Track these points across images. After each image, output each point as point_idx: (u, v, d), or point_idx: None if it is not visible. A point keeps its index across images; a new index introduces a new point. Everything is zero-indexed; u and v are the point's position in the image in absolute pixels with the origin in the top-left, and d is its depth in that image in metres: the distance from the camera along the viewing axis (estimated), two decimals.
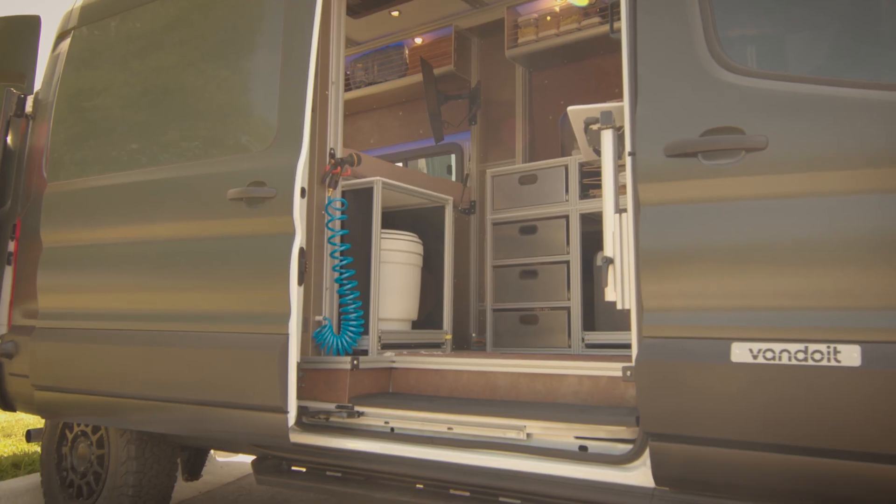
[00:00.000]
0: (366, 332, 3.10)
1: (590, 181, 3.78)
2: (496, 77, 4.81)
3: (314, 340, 3.03)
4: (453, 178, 5.20)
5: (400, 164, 5.16)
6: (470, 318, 4.53)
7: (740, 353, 1.86)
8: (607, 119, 2.42)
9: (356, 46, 5.32)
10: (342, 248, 3.08)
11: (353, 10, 4.69)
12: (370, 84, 5.20)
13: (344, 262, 3.08)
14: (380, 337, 3.13)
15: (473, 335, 4.47)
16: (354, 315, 3.06)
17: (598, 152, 2.76)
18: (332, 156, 3.16)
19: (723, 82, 2.00)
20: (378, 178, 3.19)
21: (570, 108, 2.56)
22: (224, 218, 2.86)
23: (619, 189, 2.40)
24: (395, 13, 4.77)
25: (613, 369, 2.43)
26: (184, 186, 3.01)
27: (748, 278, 1.90)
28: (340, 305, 3.09)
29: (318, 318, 3.05)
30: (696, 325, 1.95)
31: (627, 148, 2.23)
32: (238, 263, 2.81)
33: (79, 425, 3.56)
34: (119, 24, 3.52)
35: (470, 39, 4.88)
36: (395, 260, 3.32)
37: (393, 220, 3.65)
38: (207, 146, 3.02)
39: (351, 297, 3.05)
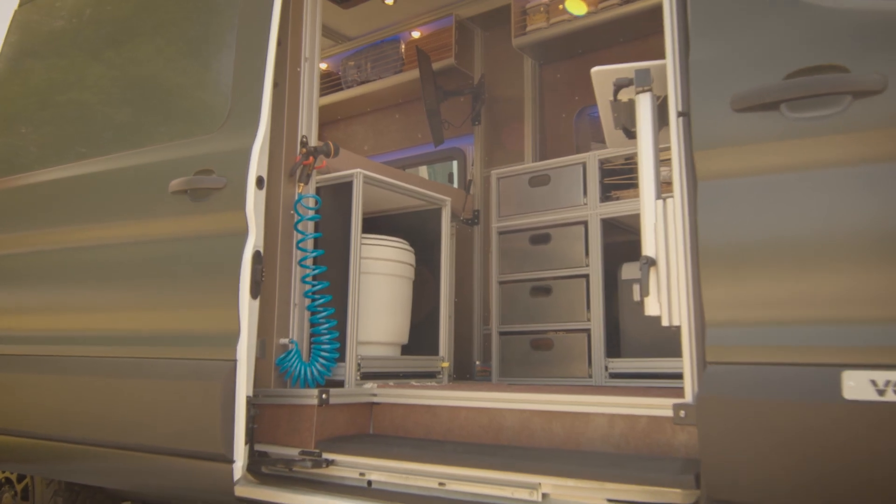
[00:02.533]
0: (342, 359, 2.52)
1: (612, 181, 3.21)
2: (502, 71, 4.28)
3: (278, 368, 2.45)
4: (455, 186, 4.65)
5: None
6: (473, 343, 3.94)
7: (856, 385, 1.28)
8: (644, 79, 1.87)
9: (348, 42, 4.82)
10: (314, 254, 2.52)
11: None
12: (363, 83, 4.68)
13: (316, 272, 2.51)
14: (359, 364, 2.55)
15: (477, 363, 3.88)
16: (328, 337, 2.48)
17: (628, 133, 2.21)
18: (304, 144, 2.61)
19: (814, 5, 1.45)
20: (358, 170, 2.64)
21: (594, 70, 2.01)
22: (165, 216, 2.32)
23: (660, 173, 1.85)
24: (389, 1, 4.27)
25: (657, 407, 1.84)
26: (118, 181, 2.47)
27: (859, 276, 1.32)
28: (311, 325, 2.52)
29: (284, 340, 2.48)
30: (787, 344, 1.36)
31: (674, 109, 1.67)
32: (179, 271, 2.25)
33: (3, 471, 2.98)
34: (60, 1, 3.02)
35: (473, 30, 4.36)
36: (381, 270, 2.75)
37: (380, 226, 3.09)
38: (151, 133, 2.49)
39: (324, 314, 2.48)
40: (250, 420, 2.09)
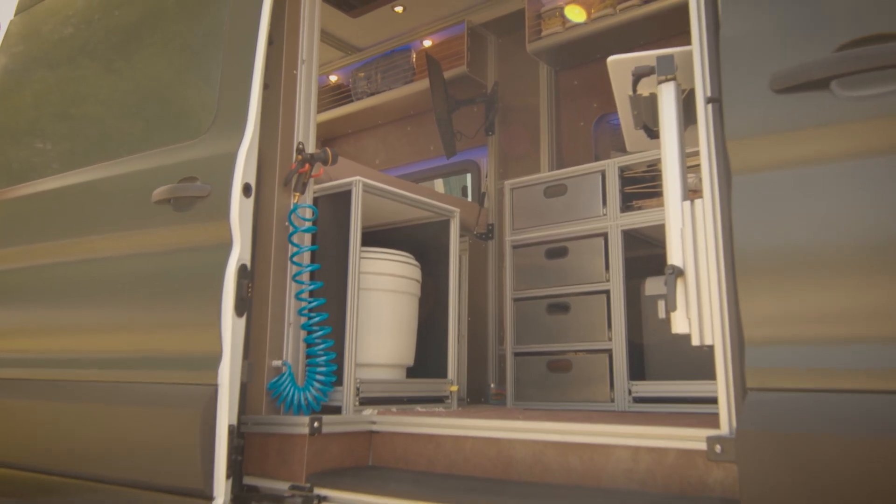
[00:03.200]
0: (340, 383, 2.32)
1: (634, 189, 3.00)
2: (517, 79, 4.09)
3: (269, 393, 2.25)
4: (470, 199, 4.45)
5: None
6: (489, 365, 3.72)
7: None
8: (667, 67, 1.67)
9: (358, 53, 4.68)
10: (309, 268, 2.33)
11: (350, 6, 4.05)
12: (373, 94, 4.52)
13: (311, 288, 2.32)
14: (358, 389, 2.34)
15: (492, 385, 3.66)
16: (324, 359, 2.28)
17: (650, 132, 2.00)
18: (301, 151, 2.43)
19: None
20: (357, 177, 2.45)
21: (611, 59, 1.81)
22: (147, 228, 2.15)
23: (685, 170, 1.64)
24: (399, 9, 4.12)
25: (688, 439, 1.61)
26: (99, 192, 2.31)
27: None
28: (307, 346, 2.33)
29: (277, 363, 2.28)
30: (845, 367, 1.14)
31: (702, 96, 1.46)
32: (160, 288, 2.07)
33: None
34: (48, 8, 2.89)
35: (485, 37, 4.18)
36: (383, 286, 2.55)
37: (385, 240, 2.89)
38: (136, 140, 2.33)
39: (320, 334, 2.29)
40: (234, 451, 1.89)
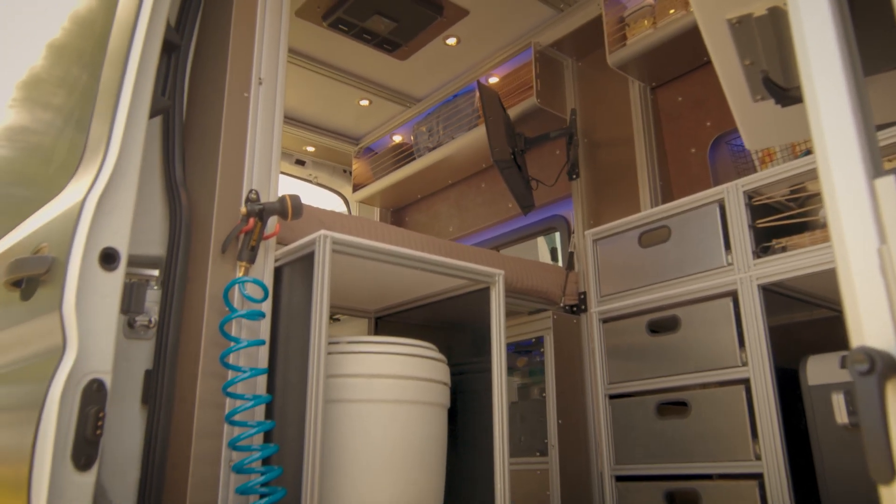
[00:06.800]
0: None
1: (771, 221, 1.99)
2: (602, 104, 3.21)
3: None
4: (560, 264, 3.53)
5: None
6: (593, 492, 2.70)
7: None
8: None
9: (418, 104, 3.99)
10: (248, 375, 1.53)
11: (394, 45, 3.39)
12: (436, 147, 3.79)
13: (252, 405, 1.51)
14: None
15: None
16: None
17: (780, 94, 1.08)
18: (251, 202, 1.69)
19: None
20: (322, 232, 1.64)
21: None
22: None
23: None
24: (452, 41, 3.41)
25: None
26: None
27: None
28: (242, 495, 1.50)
29: None
30: None
31: None
32: None
33: None
34: None
35: (559, 60, 3.36)
36: (382, 396, 1.69)
37: (402, 324, 2.06)
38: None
39: (262, 478, 1.46)
40: None
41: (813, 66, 0.71)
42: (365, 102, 3.95)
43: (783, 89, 1.08)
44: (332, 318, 2.90)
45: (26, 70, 1.96)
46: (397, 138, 4.23)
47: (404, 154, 4.05)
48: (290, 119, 4.12)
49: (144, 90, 1.37)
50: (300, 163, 4.39)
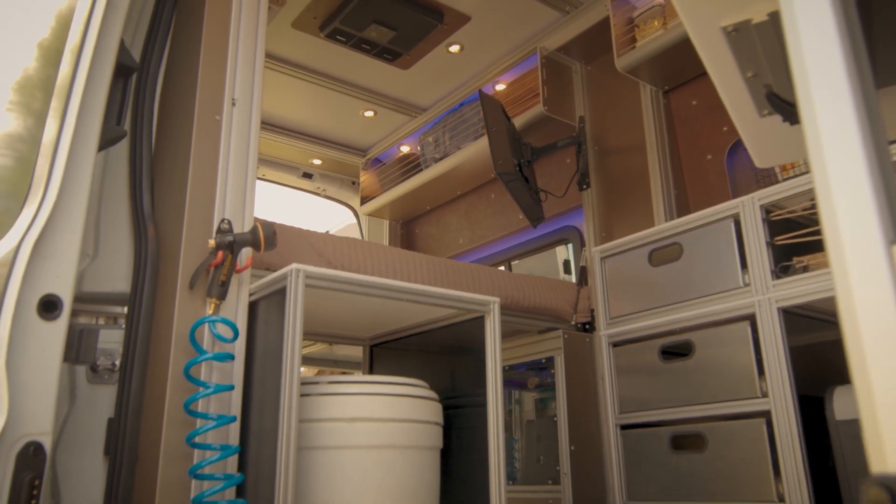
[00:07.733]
0: None
1: (789, 239, 1.83)
2: (613, 110, 3.06)
3: None
4: (573, 277, 3.38)
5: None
6: None
7: None
8: None
9: (423, 114, 3.87)
10: (217, 424, 1.41)
11: (395, 54, 3.27)
12: (442, 158, 3.66)
13: (216, 459, 1.39)
14: None
15: None
16: None
17: (782, 107, 0.94)
18: (221, 233, 1.57)
19: None
20: (295, 265, 1.52)
21: None
22: None
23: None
24: (455, 48, 3.28)
25: None
26: None
27: None
28: None
29: None
30: None
31: None
32: None
33: None
34: None
35: (567, 65, 3.21)
36: (366, 441, 1.56)
37: (393, 358, 1.93)
38: None
39: None
40: None
41: (814, 80, 0.57)
42: (370, 113, 3.84)
43: (791, 105, 0.94)
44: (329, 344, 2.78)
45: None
46: (405, 149, 4.12)
47: (412, 165, 3.93)
48: (295, 132, 4.03)
49: (91, 119, 1.27)
50: (307, 176, 4.29)
